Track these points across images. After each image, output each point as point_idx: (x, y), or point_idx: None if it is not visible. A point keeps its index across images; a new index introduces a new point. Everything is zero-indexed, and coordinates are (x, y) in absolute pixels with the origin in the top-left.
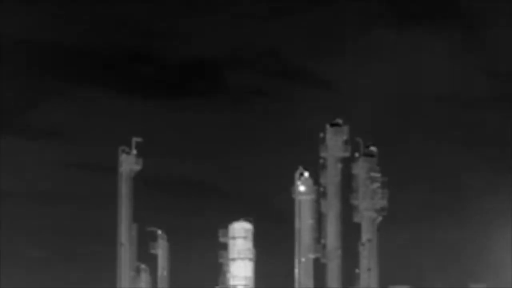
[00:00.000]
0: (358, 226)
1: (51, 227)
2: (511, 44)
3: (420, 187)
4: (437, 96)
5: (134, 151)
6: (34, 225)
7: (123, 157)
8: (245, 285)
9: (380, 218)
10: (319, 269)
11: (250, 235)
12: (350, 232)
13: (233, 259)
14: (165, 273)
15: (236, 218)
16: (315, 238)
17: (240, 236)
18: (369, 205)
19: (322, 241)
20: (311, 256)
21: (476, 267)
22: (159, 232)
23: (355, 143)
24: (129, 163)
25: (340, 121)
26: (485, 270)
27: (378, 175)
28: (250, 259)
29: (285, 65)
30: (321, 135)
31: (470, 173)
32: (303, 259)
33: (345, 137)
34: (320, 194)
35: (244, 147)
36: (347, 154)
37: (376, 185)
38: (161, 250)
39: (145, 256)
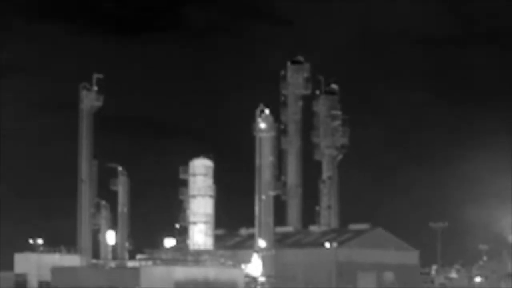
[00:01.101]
0: (318, 164)
1: (13, 163)
2: None
3: (381, 125)
4: (400, 34)
5: (95, 88)
6: None
7: (84, 94)
8: (205, 222)
9: (340, 156)
10: (279, 206)
11: (210, 172)
12: (310, 170)
13: (194, 196)
14: (125, 209)
15: (197, 155)
16: (275, 175)
17: (200, 173)
18: (330, 143)
19: (283, 178)
20: (271, 193)
21: (437, 206)
22: (120, 168)
23: (316, 81)
24: (90, 100)
25: (301, 58)
26: (445, 208)
27: (339, 112)
28: (210, 196)
29: (247, 2)
30: (282, 72)
31: (429, 110)
32: (263, 196)
33: (306, 75)
34: (280, 131)
35: (205, 84)
36: (308, 92)
37: (337, 122)
38: (121, 186)
39: (105, 192)
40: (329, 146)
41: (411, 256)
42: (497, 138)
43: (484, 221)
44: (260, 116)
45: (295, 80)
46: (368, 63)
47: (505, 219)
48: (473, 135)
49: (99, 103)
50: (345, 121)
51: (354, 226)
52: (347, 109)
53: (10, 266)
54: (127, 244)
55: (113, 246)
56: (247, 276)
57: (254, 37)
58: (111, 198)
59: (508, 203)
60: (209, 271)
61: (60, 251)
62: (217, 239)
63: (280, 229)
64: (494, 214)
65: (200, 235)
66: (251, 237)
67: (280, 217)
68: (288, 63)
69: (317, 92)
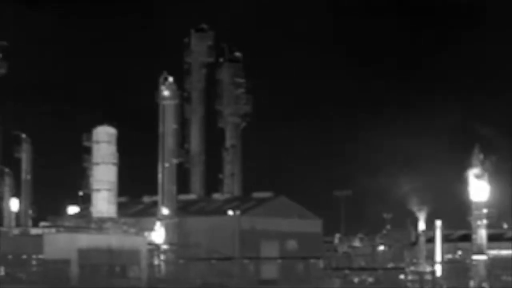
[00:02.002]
0: (222, 132)
1: None
2: None
3: (285, 93)
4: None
5: None
6: None
7: None
8: (108, 190)
9: (244, 124)
10: (182, 173)
11: (113, 140)
12: (214, 138)
13: (97, 164)
14: (28, 177)
15: (100, 122)
16: (178, 143)
17: (103, 140)
18: (233, 111)
19: (186, 146)
20: (175, 161)
21: (340, 174)
22: (23, 135)
23: (220, 49)
24: None
25: (205, 26)
26: (349, 177)
27: (242, 80)
28: (113, 164)
29: None
30: (186, 40)
31: (334, 76)
32: (166, 164)
33: (210, 42)
34: (184, 99)
35: (108, 51)
36: (211, 60)
37: (241, 90)
38: (25, 154)
39: (8, 159)
40: (233, 114)
41: (314, 225)
42: (399, 106)
43: (388, 190)
44: (163, 83)
45: (199, 48)
46: (274, 29)
47: (407, 187)
48: (377, 103)
49: (3, 71)
50: (249, 89)
51: (257, 194)
52: (251, 77)
53: None
54: (30, 212)
55: (16, 213)
56: (150, 243)
57: (158, 4)
58: (15, 166)
59: (410, 171)
60: (112, 239)
61: None
62: (120, 206)
63: (183, 197)
64: (397, 183)
65: (103, 203)
66: (154, 204)
67: (183, 184)
68: (192, 31)
69: (221, 60)
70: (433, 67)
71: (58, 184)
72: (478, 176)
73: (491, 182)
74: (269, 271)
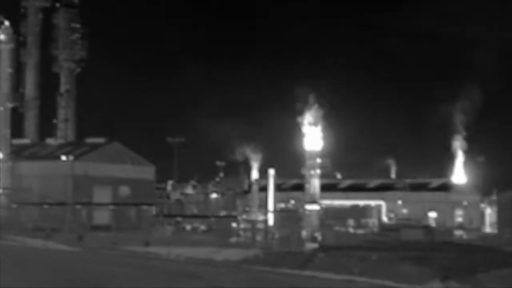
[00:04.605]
0: (57, 77)
1: None
2: None
3: (120, 38)
4: None
5: None
6: None
7: None
8: None
9: (78, 69)
10: (16, 118)
11: None
12: (49, 82)
13: None
14: None
15: None
16: (13, 87)
17: None
18: (68, 56)
19: (21, 90)
20: (9, 105)
21: (174, 121)
22: None
23: None
24: None
25: None
26: (182, 124)
27: (78, 25)
28: None
29: None
30: None
31: (173, 23)
32: (1, 108)
33: None
34: (20, 43)
35: None
36: (48, 4)
37: (76, 36)
38: None
39: None
40: (68, 59)
41: (147, 171)
42: (237, 55)
43: (221, 137)
44: None
45: None
46: None
47: (241, 134)
48: (216, 53)
49: None
50: (85, 34)
51: (90, 140)
52: (87, 22)
53: None
54: None
55: None
56: None
57: None
58: None
59: (244, 119)
60: None
61: None
62: None
63: (17, 141)
64: (231, 130)
65: None
66: None
67: (17, 129)
68: None
69: (57, 5)
70: (278, 16)
71: None
72: (312, 126)
73: (325, 132)
74: (102, 217)
